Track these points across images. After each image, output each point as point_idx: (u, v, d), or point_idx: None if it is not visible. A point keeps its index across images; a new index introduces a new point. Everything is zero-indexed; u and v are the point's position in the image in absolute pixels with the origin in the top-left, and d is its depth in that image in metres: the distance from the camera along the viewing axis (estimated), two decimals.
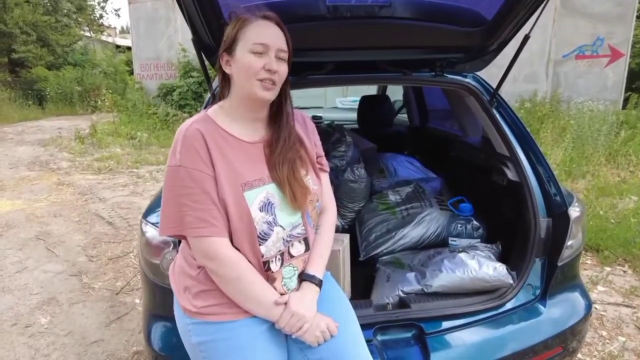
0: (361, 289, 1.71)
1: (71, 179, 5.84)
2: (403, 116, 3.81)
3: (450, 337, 1.40)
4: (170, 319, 1.18)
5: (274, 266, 1.07)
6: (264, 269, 1.06)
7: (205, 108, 1.28)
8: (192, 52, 8.44)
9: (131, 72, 13.32)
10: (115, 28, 27.51)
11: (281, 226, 1.07)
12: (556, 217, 1.54)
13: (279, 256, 1.08)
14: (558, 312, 1.52)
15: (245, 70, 1.03)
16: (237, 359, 1.04)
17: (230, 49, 1.06)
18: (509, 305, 1.48)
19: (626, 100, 7.30)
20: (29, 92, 14.03)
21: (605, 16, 7.12)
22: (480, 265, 1.52)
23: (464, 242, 1.87)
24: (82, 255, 3.44)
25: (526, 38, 1.50)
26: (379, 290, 1.63)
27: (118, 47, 20.35)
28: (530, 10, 1.44)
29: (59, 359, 2.20)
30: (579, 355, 2.13)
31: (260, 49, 1.02)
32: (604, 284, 2.83)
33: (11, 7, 14.07)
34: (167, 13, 10.21)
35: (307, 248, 1.14)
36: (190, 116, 1.13)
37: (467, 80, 1.82)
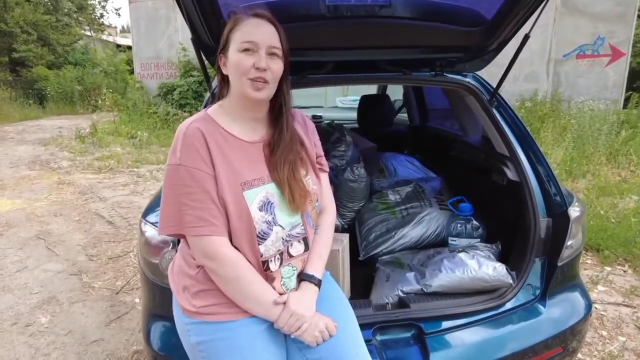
0: (361, 289, 1.71)
1: (72, 178, 5.85)
2: (403, 116, 3.81)
3: (450, 338, 1.40)
4: (170, 318, 1.18)
5: (273, 266, 1.07)
6: (263, 268, 1.06)
7: (205, 107, 1.28)
8: (192, 52, 8.42)
9: (132, 72, 13.33)
10: (116, 27, 27.53)
11: (281, 226, 1.07)
12: (556, 217, 1.54)
13: (278, 256, 1.08)
14: (558, 312, 1.52)
15: (236, 69, 1.03)
16: (237, 359, 1.04)
17: (224, 50, 1.07)
18: (509, 306, 1.48)
19: (627, 100, 7.29)
20: (30, 91, 14.05)
21: (606, 15, 7.10)
22: (480, 266, 1.51)
23: (464, 242, 1.86)
24: (83, 254, 3.44)
25: (526, 38, 1.49)
26: (379, 290, 1.63)
27: (119, 46, 20.37)
28: (530, 10, 1.44)
29: (59, 359, 2.20)
30: (579, 356, 2.12)
31: (249, 47, 1.02)
32: (605, 284, 2.83)
33: (12, 7, 14.09)
34: (168, 13, 10.21)
35: (307, 248, 1.14)
36: (191, 116, 1.13)
37: (468, 80, 1.81)
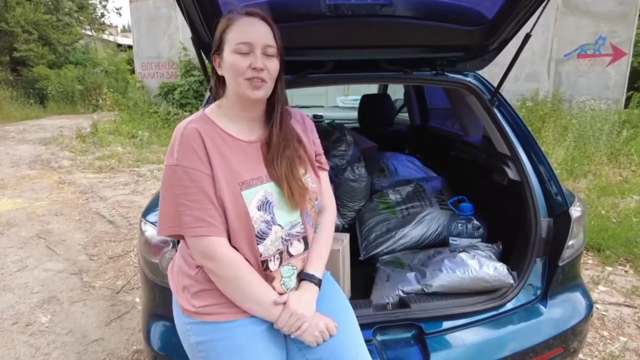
0: (361, 288, 1.71)
1: (72, 177, 5.85)
2: (404, 115, 3.81)
3: (451, 337, 1.39)
4: (170, 318, 1.18)
5: (273, 265, 1.07)
6: (262, 268, 1.06)
7: (204, 107, 1.28)
8: (193, 51, 8.44)
9: (132, 71, 13.34)
10: (116, 27, 27.52)
11: (280, 225, 1.06)
12: (557, 216, 1.53)
13: (277, 255, 1.07)
14: (559, 312, 1.51)
15: (232, 70, 1.03)
16: (236, 359, 1.03)
17: (219, 51, 1.06)
18: (509, 306, 1.48)
19: (628, 100, 7.27)
20: (31, 90, 14.06)
21: (608, 15, 7.09)
22: (480, 265, 1.51)
23: (465, 241, 1.86)
24: (83, 254, 3.44)
25: (527, 37, 1.49)
26: (379, 290, 1.63)
27: (119, 45, 20.36)
28: (531, 9, 1.43)
29: (60, 358, 2.20)
30: (580, 356, 2.12)
31: (244, 49, 1.01)
32: (605, 283, 2.83)
33: (12, 6, 14.09)
34: (168, 12, 10.20)
35: (307, 247, 1.14)
36: (192, 115, 1.13)
37: (468, 79, 1.81)
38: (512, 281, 1.49)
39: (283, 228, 1.07)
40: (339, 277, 1.58)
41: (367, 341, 1.20)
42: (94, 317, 2.55)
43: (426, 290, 1.54)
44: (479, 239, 1.85)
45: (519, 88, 7.38)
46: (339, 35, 1.57)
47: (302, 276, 1.12)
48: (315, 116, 4.32)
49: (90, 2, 18.97)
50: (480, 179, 2.01)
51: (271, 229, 1.05)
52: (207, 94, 1.74)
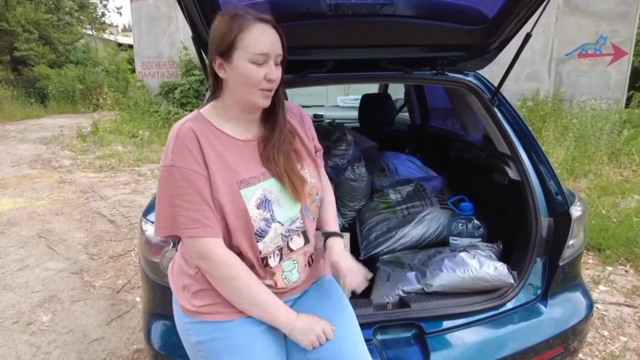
0: None
1: (73, 177, 5.85)
2: (404, 115, 3.80)
3: (451, 337, 1.39)
4: (170, 317, 1.18)
5: (272, 262, 1.07)
6: (262, 264, 1.06)
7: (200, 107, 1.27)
8: (193, 50, 8.43)
9: (133, 70, 13.34)
10: (117, 26, 27.51)
11: (279, 222, 1.06)
12: (558, 216, 1.53)
13: (277, 252, 1.08)
14: (559, 311, 1.52)
15: (246, 80, 1.01)
16: (236, 359, 1.03)
17: (226, 55, 1.00)
18: (509, 305, 1.48)
19: (629, 99, 7.26)
20: (31, 90, 14.07)
21: (609, 14, 7.08)
22: (481, 265, 1.51)
23: (465, 241, 1.86)
24: (83, 253, 3.45)
25: (528, 36, 1.49)
26: (379, 290, 1.63)
27: (120, 45, 20.36)
28: (532, 9, 1.43)
29: (60, 357, 2.21)
30: (580, 355, 2.12)
31: (261, 60, 1.00)
32: (606, 283, 2.82)
33: (13, 6, 14.09)
34: (169, 11, 10.21)
35: (307, 241, 1.14)
36: None
37: (469, 78, 1.81)
38: (512, 281, 1.49)
39: (283, 225, 1.07)
40: (340, 277, 1.57)
41: (367, 341, 1.20)
42: (95, 317, 2.56)
43: (426, 290, 1.54)
44: (479, 239, 1.85)
45: (520, 87, 7.38)
46: (339, 34, 1.57)
47: (328, 235, 1.20)
48: (315, 115, 4.32)
49: (90, 1, 18.96)
50: (481, 178, 2.01)
51: (270, 227, 1.05)
52: (208, 94, 1.74)
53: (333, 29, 1.56)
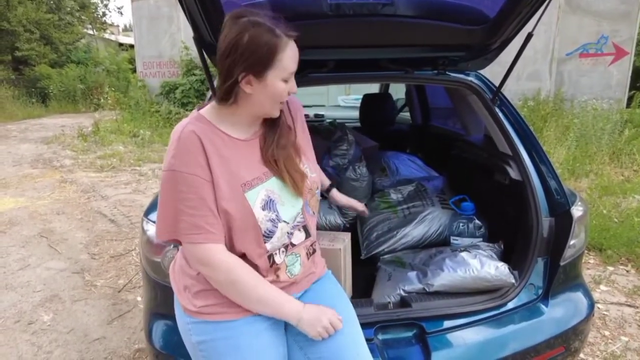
0: (362, 287, 1.71)
1: (74, 176, 5.86)
2: (405, 114, 3.80)
3: (452, 337, 1.39)
4: (172, 317, 1.18)
5: (278, 258, 1.08)
6: (269, 263, 1.06)
7: (198, 107, 1.27)
8: (194, 50, 8.43)
9: (134, 70, 13.34)
10: (118, 26, 27.55)
11: (285, 221, 1.07)
12: (559, 216, 1.53)
13: (282, 248, 1.09)
14: (560, 311, 1.51)
15: (274, 97, 1.01)
16: (237, 358, 1.04)
17: (259, 73, 0.97)
18: (510, 305, 1.48)
19: (630, 99, 7.25)
20: (33, 90, 14.08)
21: (610, 14, 7.06)
22: (482, 265, 1.51)
23: (466, 241, 1.86)
24: (85, 252, 3.45)
25: (529, 36, 1.48)
26: (380, 289, 1.63)
27: (121, 45, 20.37)
28: (533, 8, 1.43)
29: (61, 356, 2.21)
30: (582, 355, 2.12)
31: (290, 77, 1.01)
32: (607, 283, 2.82)
33: (14, 5, 14.11)
34: (170, 11, 10.21)
35: (307, 235, 1.15)
36: None
37: (470, 78, 1.81)
38: (513, 281, 1.49)
39: (288, 223, 1.08)
40: (341, 276, 1.58)
41: (369, 340, 1.20)
42: (96, 316, 2.56)
43: (427, 290, 1.54)
44: (481, 239, 1.85)
45: (521, 87, 7.37)
46: (340, 34, 1.57)
47: (330, 187, 1.57)
48: (316, 115, 4.32)
49: (91, 1, 18.99)
50: (482, 178, 2.01)
51: (277, 227, 1.05)
52: (209, 93, 1.74)
53: (334, 29, 1.56)
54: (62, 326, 2.47)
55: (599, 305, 2.56)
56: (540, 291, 1.53)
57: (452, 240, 1.91)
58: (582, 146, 5.54)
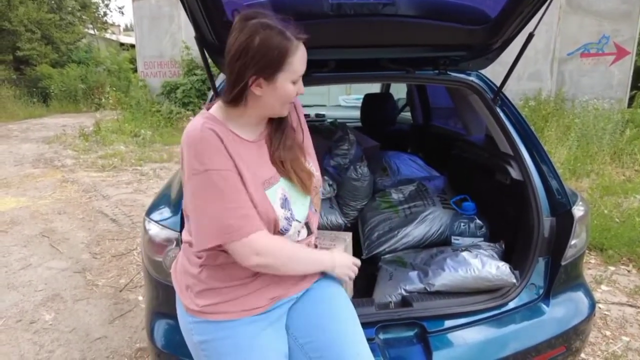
0: (363, 287, 1.71)
1: (75, 176, 5.87)
2: (406, 114, 3.80)
3: (453, 336, 1.39)
4: (173, 316, 1.18)
5: None
6: None
7: (206, 107, 1.27)
8: (195, 50, 8.43)
9: (135, 70, 13.36)
10: (119, 26, 27.59)
11: (297, 220, 1.09)
12: (560, 216, 1.53)
13: None
14: (561, 311, 1.52)
15: (284, 98, 1.01)
16: (239, 358, 1.04)
17: (270, 76, 0.96)
18: (511, 305, 1.48)
19: (632, 99, 7.24)
20: (34, 89, 14.10)
21: (611, 14, 7.05)
22: (483, 264, 1.51)
23: (467, 240, 1.86)
24: (86, 252, 3.46)
25: (530, 36, 1.48)
26: (381, 289, 1.63)
27: (122, 44, 20.39)
28: (534, 8, 1.43)
29: (63, 355, 2.22)
30: (582, 355, 2.12)
31: (299, 78, 1.02)
32: (608, 283, 2.82)
33: (16, 5, 14.13)
34: (171, 11, 10.22)
35: (309, 232, 1.17)
36: (194, 114, 1.12)
37: (471, 78, 1.81)
38: (514, 280, 1.49)
39: (300, 222, 1.11)
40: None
41: (370, 340, 1.20)
42: (97, 315, 2.57)
43: (428, 289, 1.54)
44: (482, 238, 1.85)
45: (522, 87, 7.36)
46: (341, 34, 1.57)
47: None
48: (317, 115, 4.32)
49: (92, 1, 19.01)
50: (483, 178, 2.01)
51: (291, 225, 1.07)
52: (210, 93, 1.74)
53: (335, 29, 1.56)
54: (64, 325, 2.47)
55: (600, 305, 2.56)
56: (541, 291, 1.53)
57: (453, 240, 1.91)
58: (583, 146, 5.53)
